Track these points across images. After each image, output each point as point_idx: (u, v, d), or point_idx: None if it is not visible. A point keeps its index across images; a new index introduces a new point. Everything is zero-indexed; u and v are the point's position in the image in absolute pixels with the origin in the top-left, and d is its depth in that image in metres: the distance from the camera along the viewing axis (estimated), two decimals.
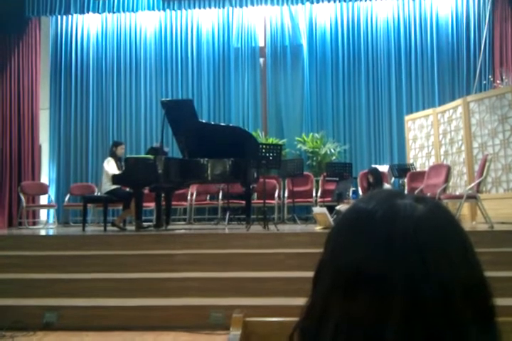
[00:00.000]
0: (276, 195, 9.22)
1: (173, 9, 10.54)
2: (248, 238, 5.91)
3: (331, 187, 8.83)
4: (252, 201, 8.32)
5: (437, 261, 0.63)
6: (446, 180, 7.02)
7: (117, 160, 7.57)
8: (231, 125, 8.79)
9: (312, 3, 10.30)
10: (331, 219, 6.42)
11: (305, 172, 9.21)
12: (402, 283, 0.62)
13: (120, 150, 7.71)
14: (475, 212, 7.68)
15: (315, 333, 0.67)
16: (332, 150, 10.31)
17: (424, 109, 10.04)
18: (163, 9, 10.47)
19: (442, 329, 0.62)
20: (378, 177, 7.62)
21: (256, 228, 6.70)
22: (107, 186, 7.39)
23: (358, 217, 0.69)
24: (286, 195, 9.29)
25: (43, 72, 10.79)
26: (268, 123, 10.95)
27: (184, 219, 9.67)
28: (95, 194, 9.54)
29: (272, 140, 10.21)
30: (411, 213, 0.66)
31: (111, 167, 7.42)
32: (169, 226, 7.59)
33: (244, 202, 7.84)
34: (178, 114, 7.15)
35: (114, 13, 10.62)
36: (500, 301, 0.66)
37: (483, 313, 0.65)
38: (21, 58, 10.29)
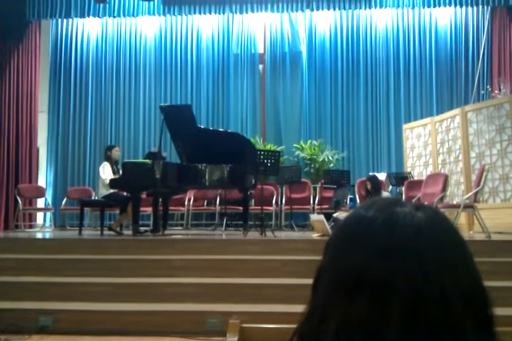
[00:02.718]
0: (273, 201, 9.23)
1: (174, 14, 10.56)
2: (245, 244, 5.90)
3: (329, 194, 8.83)
4: (250, 207, 8.32)
5: (437, 268, 0.64)
6: (444, 189, 7.03)
7: (113, 164, 7.55)
8: (229, 131, 8.79)
9: (312, 10, 10.34)
10: (328, 227, 6.42)
11: (303, 179, 9.23)
12: (402, 289, 0.63)
13: (115, 153, 7.69)
14: (472, 222, 7.68)
15: (315, 338, 0.68)
16: (330, 158, 10.32)
17: (422, 118, 10.06)
18: (164, 14, 10.49)
19: (442, 334, 0.62)
20: (377, 185, 7.62)
21: (253, 234, 6.69)
22: (104, 191, 7.39)
23: (358, 224, 0.70)
24: (283, 201, 9.30)
25: (42, 75, 10.80)
26: (266, 130, 10.97)
27: (181, 225, 9.65)
28: (92, 198, 9.54)
29: (270, 146, 10.21)
30: (410, 221, 0.67)
31: (106, 172, 7.40)
32: (166, 232, 7.57)
33: (241, 208, 7.84)
34: (177, 119, 7.16)
35: (114, 17, 10.63)
36: (497, 311, 0.67)
37: (483, 321, 0.65)
38: (21, 61, 10.30)
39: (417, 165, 9.51)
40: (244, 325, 1.72)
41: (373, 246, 0.66)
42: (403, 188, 8.64)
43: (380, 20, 10.95)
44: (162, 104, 7.88)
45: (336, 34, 11.01)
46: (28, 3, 10.08)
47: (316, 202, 9.38)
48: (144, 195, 7.73)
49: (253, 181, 7.36)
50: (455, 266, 0.65)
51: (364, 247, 0.67)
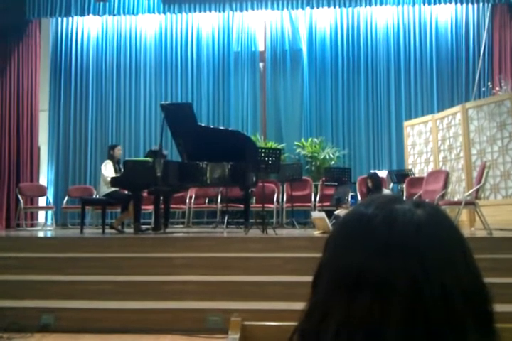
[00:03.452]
0: (275, 199, 9.22)
1: (174, 12, 10.54)
2: (246, 242, 5.90)
3: (330, 191, 8.83)
4: (251, 205, 8.31)
5: (437, 266, 0.64)
6: (445, 186, 7.02)
7: (115, 162, 7.59)
8: (230, 129, 8.79)
9: (312, 8, 10.32)
10: (329, 224, 6.42)
11: (304, 177, 9.23)
12: (402, 287, 0.62)
13: (118, 152, 7.72)
14: (473, 219, 7.68)
15: (315, 336, 0.67)
16: (331, 155, 10.31)
17: (423, 115, 10.05)
18: (164, 12, 10.47)
19: (443, 332, 0.62)
20: (377, 182, 7.61)
21: (254, 232, 6.69)
22: (105, 189, 7.40)
23: (358, 221, 0.70)
24: (284, 199, 9.30)
25: (43, 73, 10.80)
26: (267, 128, 10.96)
27: (182, 223, 9.66)
28: (93, 196, 9.54)
29: (271, 144, 10.20)
30: (410, 218, 0.67)
31: (108, 170, 7.43)
32: (167, 230, 7.58)
33: (242, 205, 7.85)
34: (178, 117, 7.16)
35: (114, 15, 10.61)
36: (498, 307, 0.67)
37: (483, 318, 0.65)
38: (21, 60, 10.30)
39: (418, 162, 9.50)
40: (246, 323, 1.72)
41: (373, 243, 0.66)
42: (404, 185, 8.63)
43: (381, 18, 10.93)
44: (163, 102, 7.87)
45: (336, 32, 10.99)
46: (28, 1, 10.06)
47: (317, 199, 9.37)
48: (145, 193, 7.74)
49: (254, 179, 7.37)
50: (455, 264, 0.65)
51: (364, 244, 0.66)
